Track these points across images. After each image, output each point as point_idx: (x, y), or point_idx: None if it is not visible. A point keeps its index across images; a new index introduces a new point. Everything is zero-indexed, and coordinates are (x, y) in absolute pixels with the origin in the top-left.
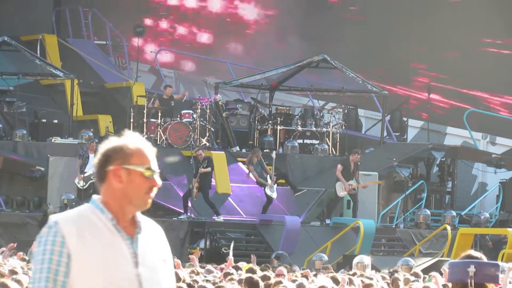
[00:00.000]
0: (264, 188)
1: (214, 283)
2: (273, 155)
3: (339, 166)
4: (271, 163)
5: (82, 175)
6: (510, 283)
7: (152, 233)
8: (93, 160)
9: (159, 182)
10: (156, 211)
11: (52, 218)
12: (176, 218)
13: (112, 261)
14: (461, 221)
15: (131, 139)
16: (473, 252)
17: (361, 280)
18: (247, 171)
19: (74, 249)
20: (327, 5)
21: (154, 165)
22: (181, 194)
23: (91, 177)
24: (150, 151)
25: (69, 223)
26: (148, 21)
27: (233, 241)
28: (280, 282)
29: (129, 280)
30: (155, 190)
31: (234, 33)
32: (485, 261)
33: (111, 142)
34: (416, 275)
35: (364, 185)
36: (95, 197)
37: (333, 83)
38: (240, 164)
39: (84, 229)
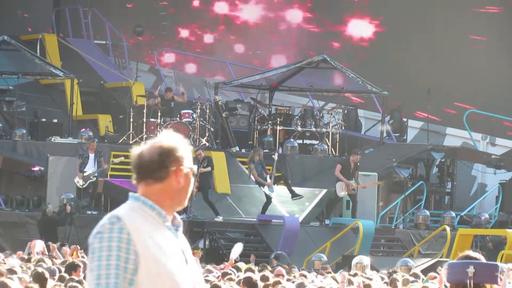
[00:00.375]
0: (263, 187)
1: (210, 283)
2: (275, 156)
3: (339, 166)
4: (272, 164)
5: (81, 175)
6: (509, 283)
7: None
8: (93, 159)
9: None
10: None
11: (113, 213)
12: None
13: (174, 258)
14: (462, 222)
15: (178, 139)
16: (471, 253)
17: (361, 281)
18: (246, 171)
19: (140, 246)
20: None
21: None
22: None
23: (91, 177)
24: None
25: (131, 219)
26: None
27: (241, 244)
28: (279, 283)
29: (185, 276)
30: None
31: (234, 33)
32: (484, 262)
33: (163, 142)
34: (415, 275)
35: (364, 185)
36: (135, 195)
37: (333, 83)
38: (239, 164)
39: (142, 225)
